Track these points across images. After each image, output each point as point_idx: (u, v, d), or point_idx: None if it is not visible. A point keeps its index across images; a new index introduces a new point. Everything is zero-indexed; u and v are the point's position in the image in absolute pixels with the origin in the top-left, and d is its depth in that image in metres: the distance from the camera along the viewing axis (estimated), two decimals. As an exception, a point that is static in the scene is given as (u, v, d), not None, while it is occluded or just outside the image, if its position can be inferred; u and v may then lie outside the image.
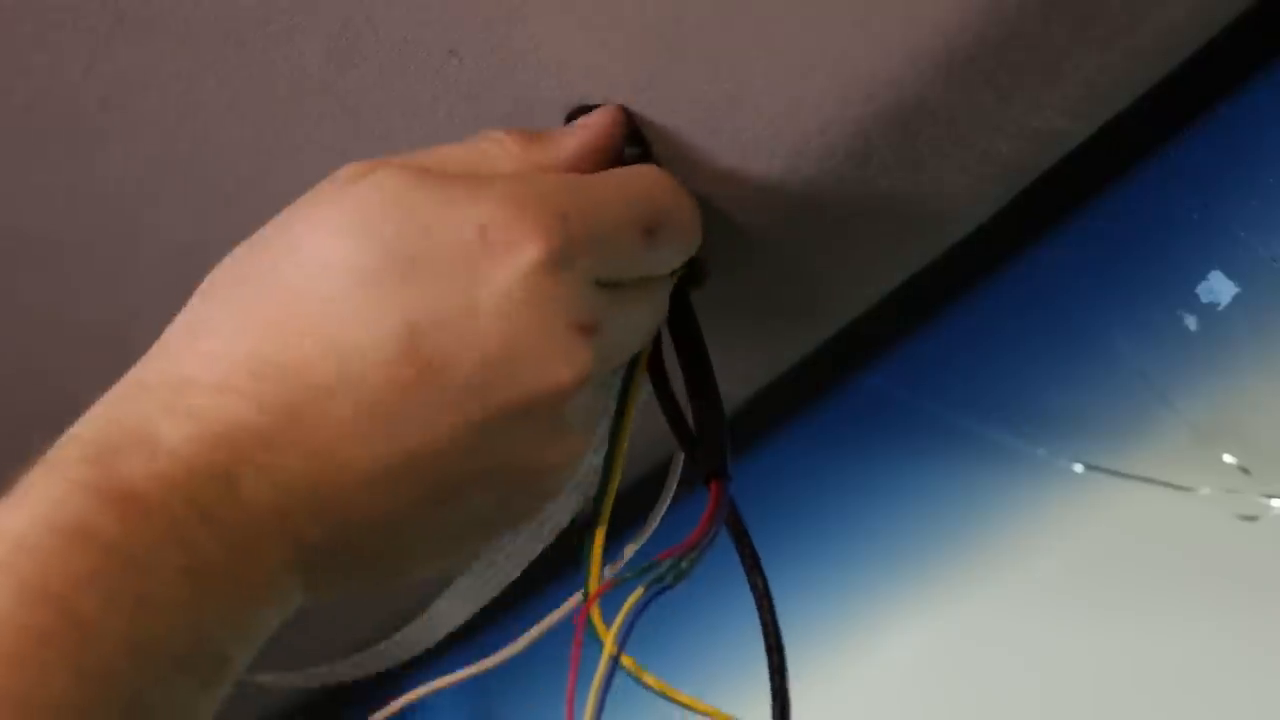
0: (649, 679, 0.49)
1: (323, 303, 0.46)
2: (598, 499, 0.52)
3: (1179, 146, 0.62)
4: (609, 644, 0.48)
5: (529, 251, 0.47)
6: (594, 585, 0.50)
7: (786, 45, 0.52)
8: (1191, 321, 0.62)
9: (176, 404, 0.45)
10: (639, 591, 0.49)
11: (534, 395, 0.47)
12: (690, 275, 0.56)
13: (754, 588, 0.51)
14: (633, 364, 0.54)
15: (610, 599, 0.50)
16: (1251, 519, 0.62)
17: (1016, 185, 0.59)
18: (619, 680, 0.49)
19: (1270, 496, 0.61)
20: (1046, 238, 0.66)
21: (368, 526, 0.46)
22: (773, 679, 0.50)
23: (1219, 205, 0.61)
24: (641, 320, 0.52)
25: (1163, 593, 0.64)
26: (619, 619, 0.49)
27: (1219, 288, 0.62)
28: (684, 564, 0.50)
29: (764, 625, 0.51)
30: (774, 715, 0.50)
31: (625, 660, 0.48)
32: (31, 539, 0.41)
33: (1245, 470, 0.62)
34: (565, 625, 0.51)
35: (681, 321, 0.56)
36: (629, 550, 0.52)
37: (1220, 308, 0.62)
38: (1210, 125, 0.61)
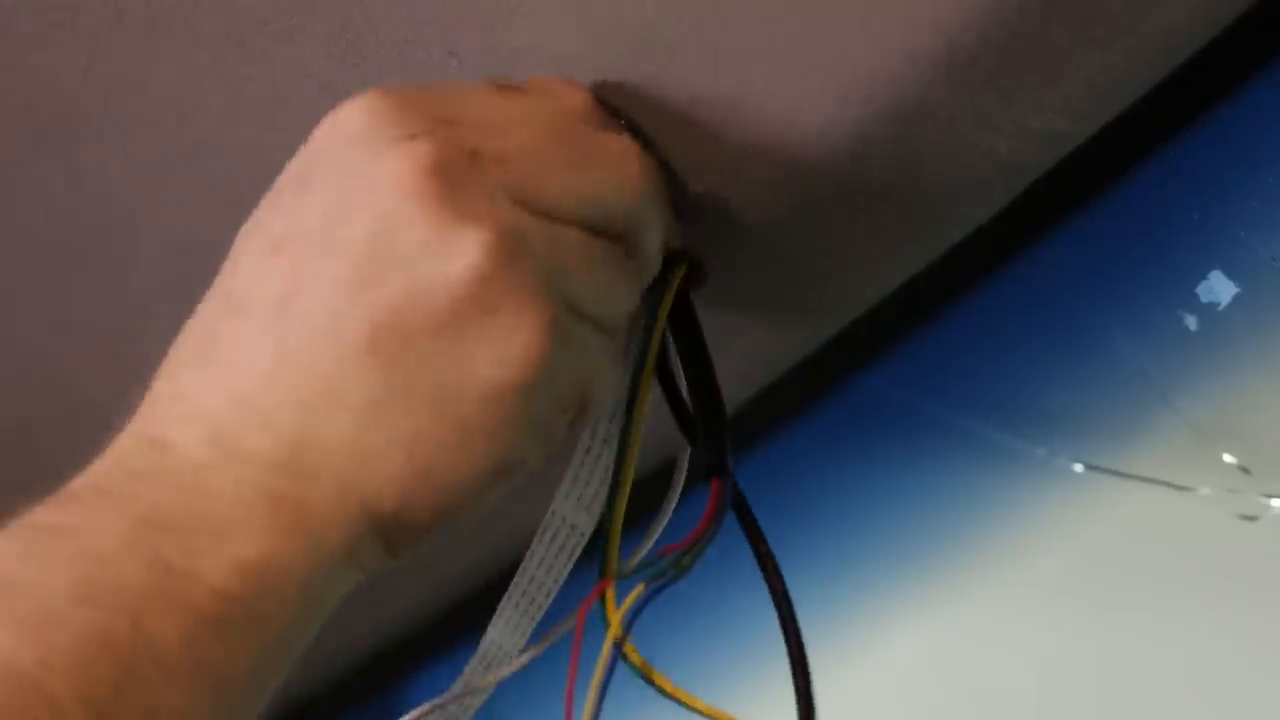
0: (656, 676, 0.49)
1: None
2: (612, 496, 0.52)
3: (1179, 146, 0.62)
4: (614, 625, 0.48)
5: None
6: (610, 570, 0.50)
7: (786, 45, 0.52)
8: (1191, 321, 0.62)
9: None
10: (639, 589, 0.49)
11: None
12: (691, 276, 0.56)
13: (772, 590, 0.51)
14: (640, 367, 0.54)
15: (615, 595, 0.50)
16: (1251, 519, 0.62)
17: (1016, 186, 0.59)
18: (619, 677, 0.49)
19: (1270, 496, 0.61)
20: (1046, 238, 0.66)
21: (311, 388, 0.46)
22: (796, 680, 0.50)
23: (1219, 205, 0.61)
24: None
25: (1163, 593, 0.64)
26: (620, 612, 0.49)
27: (1219, 288, 0.62)
28: (685, 559, 0.50)
29: (784, 626, 0.50)
30: (800, 715, 0.50)
31: (629, 650, 0.48)
32: None
33: (1245, 470, 0.62)
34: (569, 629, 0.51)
35: (683, 321, 0.56)
36: (637, 550, 0.52)
37: (1220, 308, 0.62)
38: (1210, 125, 0.61)
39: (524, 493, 0.55)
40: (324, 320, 0.46)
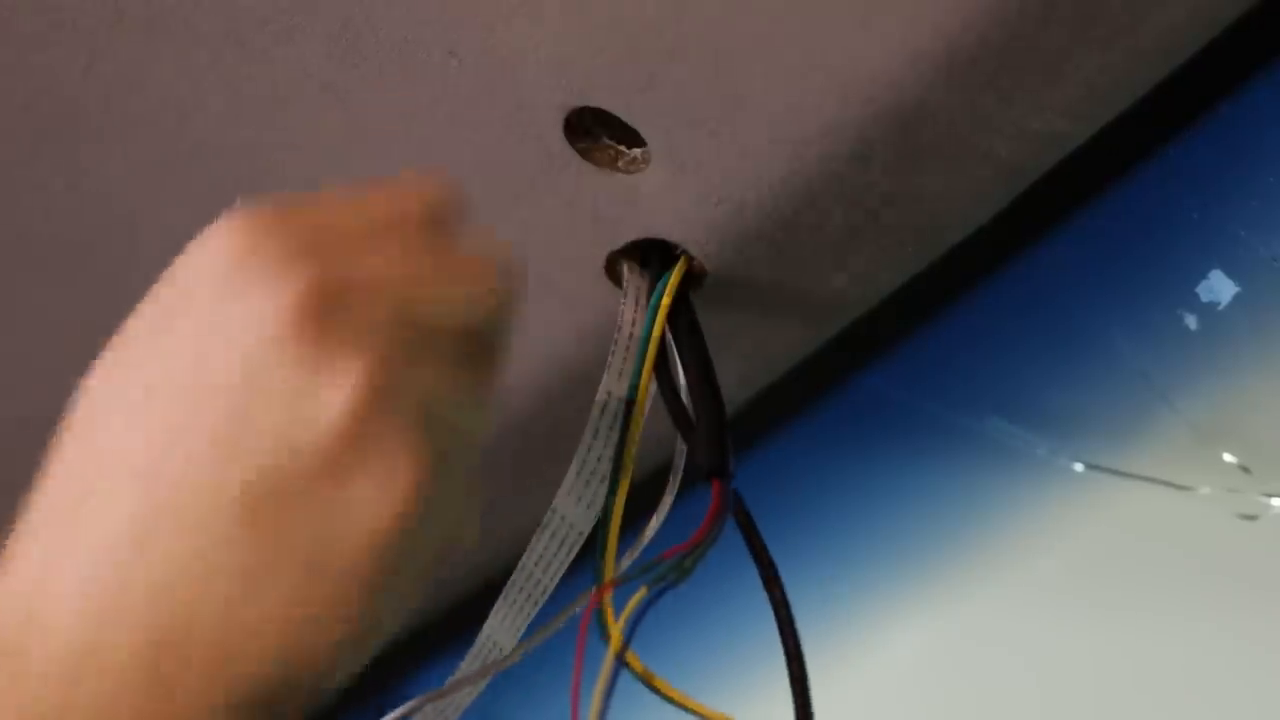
0: (657, 682, 0.49)
1: None
2: (609, 497, 0.52)
3: (1179, 146, 0.62)
4: (615, 638, 0.48)
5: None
6: (607, 577, 0.50)
7: (786, 45, 0.52)
8: (1191, 321, 0.63)
9: None
10: (642, 592, 0.49)
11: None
12: (690, 276, 0.56)
13: (772, 599, 0.51)
14: (639, 365, 0.54)
15: (612, 601, 0.50)
16: (1251, 518, 0.62)
17: (1016, 186, 0.59)
18: (623, 680, 0.49)
19: (1270, 496, 0.61)
20: (1046, 238, 0.66)
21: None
22: (794, 688, 0.50)
23: (1219, 205, 0.61)
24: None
25: (1163, 593, 0.64)
26: (622, 619, 0.49)
27: (1219, 287, 0.62)
28: (687, 562, 0.50)
29: (783, 635, 0.50)
30: None
31: (631, 659, 0.48)
32: None
33: (1245, 469, 0.62)
34: (567, 630, 0.51)
35: (683, 322, 0.56)
36: (630, 552, 0.52)
37: (1220, 307, 0.62)
38: (1210, 125, 0.61)
39: (525, 496, 0.55)
40: (198, 484, 0.43)
